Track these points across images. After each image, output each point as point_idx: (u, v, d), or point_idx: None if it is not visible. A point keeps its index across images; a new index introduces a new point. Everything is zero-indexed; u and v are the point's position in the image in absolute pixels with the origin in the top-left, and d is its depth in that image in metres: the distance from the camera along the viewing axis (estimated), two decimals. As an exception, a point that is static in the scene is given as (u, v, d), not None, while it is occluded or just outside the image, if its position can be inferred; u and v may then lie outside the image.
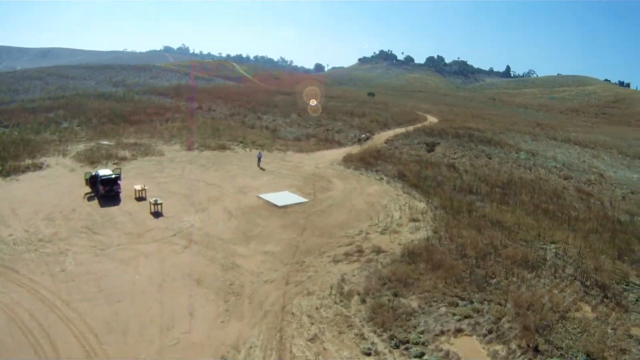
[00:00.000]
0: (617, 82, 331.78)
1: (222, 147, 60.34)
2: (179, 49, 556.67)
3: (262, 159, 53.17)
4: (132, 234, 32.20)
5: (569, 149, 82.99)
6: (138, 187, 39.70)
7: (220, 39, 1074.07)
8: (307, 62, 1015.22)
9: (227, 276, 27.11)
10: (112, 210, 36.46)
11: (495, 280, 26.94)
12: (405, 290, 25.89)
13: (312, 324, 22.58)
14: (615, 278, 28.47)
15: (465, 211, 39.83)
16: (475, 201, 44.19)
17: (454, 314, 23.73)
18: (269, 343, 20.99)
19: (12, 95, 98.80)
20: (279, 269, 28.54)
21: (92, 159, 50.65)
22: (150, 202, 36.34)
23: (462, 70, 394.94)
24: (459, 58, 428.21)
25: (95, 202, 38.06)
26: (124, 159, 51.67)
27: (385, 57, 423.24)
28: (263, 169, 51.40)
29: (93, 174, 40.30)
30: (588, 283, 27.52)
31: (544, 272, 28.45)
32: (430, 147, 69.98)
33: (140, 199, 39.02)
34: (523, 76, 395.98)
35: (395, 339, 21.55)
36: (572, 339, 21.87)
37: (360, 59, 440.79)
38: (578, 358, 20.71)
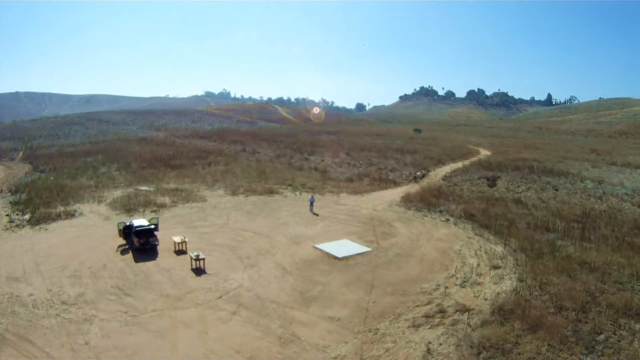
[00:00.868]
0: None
1: (270, 192, 55.21)
2: (220, 93, 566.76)
3: (314, 204, 47.79)
4: (170, 296, 26.85)
5: (632, 173, 76.16)
6: (177, 238, 34.57)
7: (261, 83, 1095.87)
8: (348, 102, 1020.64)
9: (286, 352, 21.40)
10: (148, 266, 31.31)
11: (602, 336, 22.87)
12: (504, 359, 20.85)
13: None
14: None
15: (547, 253, 35.13)
16: (554, 240, 38.92)
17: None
18: None
19: (53, 140, 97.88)
20: (348, 340, 22.66)
21: (128, 206, 46.30)
22: (191, 257, 30.99)
23: (504, 101, 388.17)
24: (499, 90, 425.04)
25: (129, 256, 33.16)
26: (162, 206, 47.12)
27: (426, 93, 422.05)
28: (316, 215, 45.86)
29: (127, 224, 35.46)
30: None
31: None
32: (492, 182, 63.89)
33: (180, 252, 33.86)
34: (565, 103, 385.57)
35: None
36: None
37: (401, 97, 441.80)
38: None
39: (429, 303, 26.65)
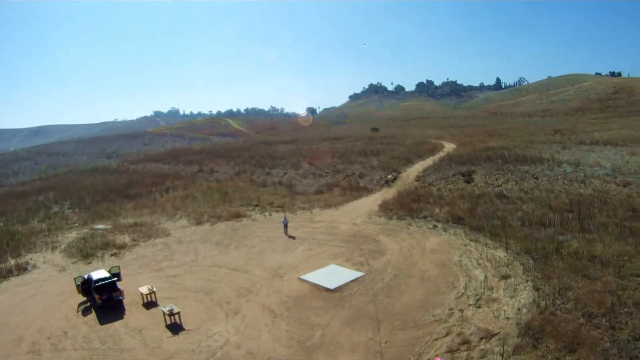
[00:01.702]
0: (609, 74, 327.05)
1: (237, 216, 50.84)
2: (169, 112, 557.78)
3: (288, 225, 44.04)
4: (146, 366, 22.85)
5: (603, 151, 75.15)
6: (144, 289, 30.02)
7: (209, 97, 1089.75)
8: (297, 107, 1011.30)
9: None
10: (116, 327, 26.77)
11: (642, 341, 20.55)
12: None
13: None
14: None
15: (552, 251, 32.98)
16: (554, 235, 36.97)
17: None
18: None
19: (1, 180, 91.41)
20: (370, 397, 19.17)
21: (85, 251, 41.21)
22: (163, 312, 26.72)
23: (454, 90, 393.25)
24: (448, 79, 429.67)
25: (93, 316, 28.47)
26: (122, 246, 42.26)
27: (376, 90, 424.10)
28: (292, 237, 42.07)
29: (85, 277, 30.84)
30: None
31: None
32: (468, 177, 61.56)
33: (149, 304, 29.39)
34: (514, 85, 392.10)
35: None
36: None
37: (351, 96, 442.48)
38: None
39: (448, 334, 23.47)
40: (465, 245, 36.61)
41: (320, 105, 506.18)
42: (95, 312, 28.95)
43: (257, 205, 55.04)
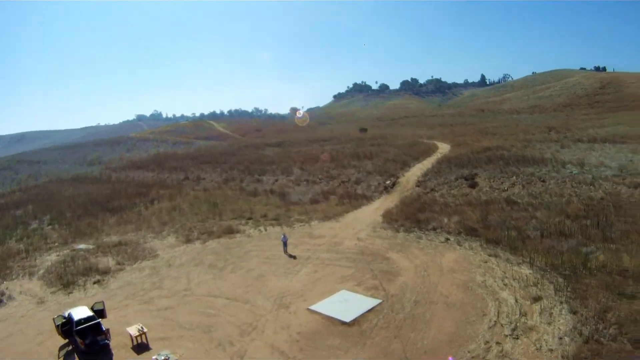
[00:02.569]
0: (593, 69, 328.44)
1: (229, 231, 47.25)
2: (152, 115, 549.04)
3: (287, 242, 40.63)
4: None
5: (603, 149, 73.75)
6: (133, 330, 26.34)
7: (192, 99, 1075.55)
8: (281, 107, 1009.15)
9: None
10: (103, 378, 23.70)
11: None
12: None
13: None
14: None
15: (579, 266, 30.89)
16: (577, 246, 34.92)
17: None
18: None
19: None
20: None
21: (65, 277, 37.33)
22: (157, 360, 23.38)
23: (438, 87, 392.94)
24: (432, 76, 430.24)
25: (76, 362, 25.31)
26: (106, 271, 38.43)
27: (360, 89, 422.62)
28: (293, 257, 38.86)
29: (65, 316, 27.42)
30: None
31: None
32: (472, 182, 59.18)
33: (140, 347, 25.81)
34: (499, 82, 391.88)
35: None
36: None
37: (335, 96, 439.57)
38: None
39: (489, 375, 20.74)
40: (486, 262, 34.04)
41: (304, 106, 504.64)
42: (79, 358, 25.61)
43: (250, 219, 51.61)
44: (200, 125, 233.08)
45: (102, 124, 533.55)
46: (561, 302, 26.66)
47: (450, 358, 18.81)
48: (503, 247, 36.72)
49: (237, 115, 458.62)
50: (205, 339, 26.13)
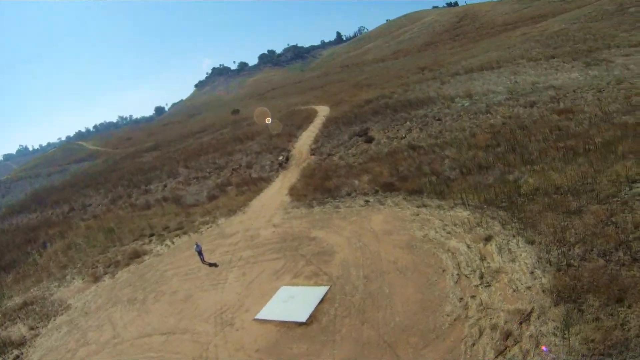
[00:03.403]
0: (446, 5, 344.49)
1: (135, 255, 41.92)
2: (19, 151, 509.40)
3: (202, 251, 36.58)
4: None
5: (484, 77, 76.62)
6: None
7: (55, 123, 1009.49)
8: (146, 110, 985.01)
9: None
10: None
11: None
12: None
13: None
14: None
15: (515, 194, 30.99)
16: (502, 175, 35.20)
17: None
18: None
19: None
20: None
21: None
22: None
23: (297, 54, 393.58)
24: (288, 44, 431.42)
25: None
26: (22, 343, 31.89)
27: (220, 72, 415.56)
28: (214, 265, 34.99)
29: None
30: None
31: None
32: (367, 137, 58.62)
33: None
34: (355, 36, 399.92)
35: None
36: None
37: (196, 85, 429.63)
38: None
39: (481, 333, 19.38)
40: (417, 215, 32.72)
41: (167, 102, 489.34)
42: None
43: (152, 235, 46.53)
44: (69, 148, 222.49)
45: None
46: (513, 236, 25.93)
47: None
48: (428, 194, 35.74)
49: (103, 129, 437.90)
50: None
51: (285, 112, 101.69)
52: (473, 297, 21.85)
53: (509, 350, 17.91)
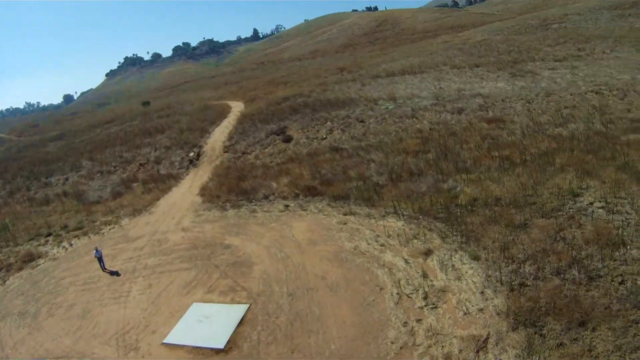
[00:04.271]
0: (366, 9, 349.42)
1: (30, 258, 35.80)
2: None
3: (103, 256, 31.68)
4: None
5: (406, 81, 75.85)
6: None
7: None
8: (54, 97, 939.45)
9: None
10: None
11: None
12: None
13: None
14: None
15: (452, 205, 29.51)
16: (435, 184, 33.61)
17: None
18: None
19: None
20: None
21: None
22: None
23: (212, 48, 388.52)
24: (204, 38, 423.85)
25: None
26: None
27: (133, 62, 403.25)
28: (116, 273, 30.36)
29: None
30: None
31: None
32: (285, 136, 55.73)
33: None
34: (272, 34, 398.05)
35: None
36: None
37: (107, 74, 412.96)
38: None
39: (432, 365, 16.83)
40: (345, 224, 30.05)
41: (77, 91, 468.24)
42: None
43: (49, 235, 40.57)
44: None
45: None
46: (455, 250, 24.00)
47: None
48: (355, 201, 33.33)
49: (9, 115, 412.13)
50: None
51: (198, 107, 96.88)
52: (419, 320, 19.35)
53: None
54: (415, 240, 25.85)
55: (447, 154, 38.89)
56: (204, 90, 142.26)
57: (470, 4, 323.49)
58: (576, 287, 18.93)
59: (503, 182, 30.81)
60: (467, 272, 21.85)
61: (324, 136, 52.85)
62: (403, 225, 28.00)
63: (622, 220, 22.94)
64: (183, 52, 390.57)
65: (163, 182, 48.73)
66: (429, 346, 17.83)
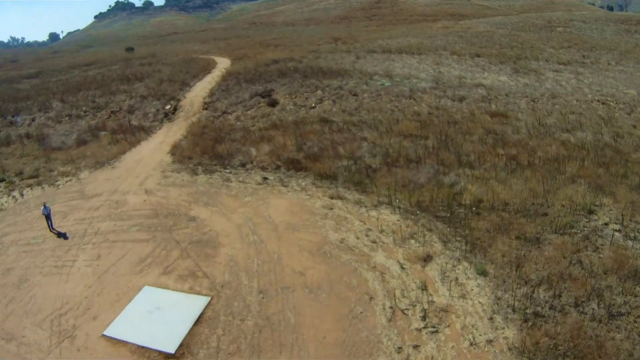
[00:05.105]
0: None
1: None
2: None
3: (51, 214, 27.34)
4: None
5: (403, 60, 72.46)
6: None
7: None
8: (39, 34, 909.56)
9: None
10: None
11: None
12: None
13: None
14: None
15: (454, 204, 26.14)
16: (435, 175, 30.05)
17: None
18: None
19: None
20: None
21: None
22: None
23: (207, 2, 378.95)
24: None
25: None
26: None
27: (123, 7, 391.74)
28: (64, 236, 26.13)
29: None
30: None
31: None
32: (270, 99, 51.38)
33: None
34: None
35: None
36: None
37: (96, 16, 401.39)
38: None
39: None
40: (331, 209, 26.28)
41: (64, 30, 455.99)
42: None
43: (2, 180, 36.03)
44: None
45: None
46: (459, 260, 20.65)
47: None
48: (344, 184, 29.53)
49: None
50: None
51: (183, 58, 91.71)
52: (416, 347, 15.92)
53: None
54: (413, 241, 22.39)
55: (448, 143, 35.51)
56: (191, 43, 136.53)
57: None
58: (597, 325, 16.23)
59: (510, 185, 27.76)
60: (472, 290, 18.49)
61: (313, 105, 48.84)
62: (398, 220, 24.43)
63: (641, 249, 20.25)
64: (176, 2, 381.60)
65: (133, 134, 44.17)
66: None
